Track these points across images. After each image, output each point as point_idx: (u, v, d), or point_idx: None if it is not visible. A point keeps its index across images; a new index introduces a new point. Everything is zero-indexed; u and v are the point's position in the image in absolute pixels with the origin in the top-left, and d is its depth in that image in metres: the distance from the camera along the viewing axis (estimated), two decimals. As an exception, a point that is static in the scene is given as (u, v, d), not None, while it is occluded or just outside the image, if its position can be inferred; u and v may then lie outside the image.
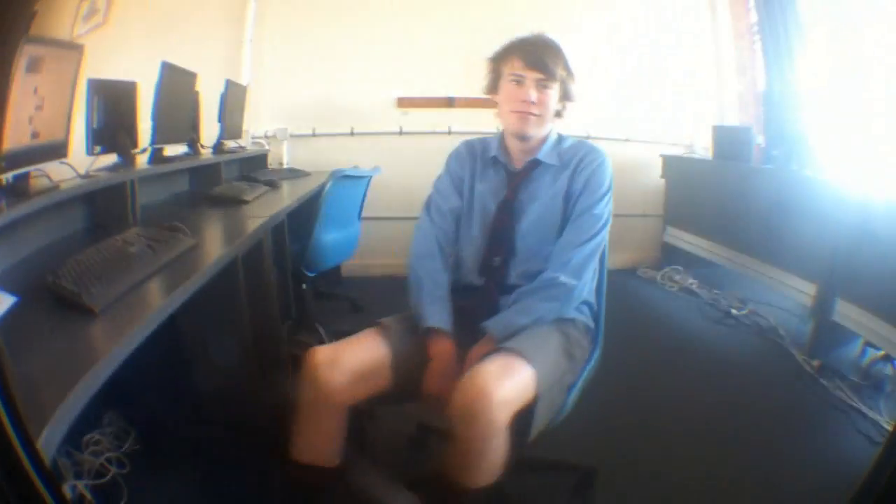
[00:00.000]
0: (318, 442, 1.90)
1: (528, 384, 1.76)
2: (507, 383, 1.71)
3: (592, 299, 2.20)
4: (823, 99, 5.24)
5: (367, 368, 1.89)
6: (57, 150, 2.39)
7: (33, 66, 2.07)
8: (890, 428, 3.01)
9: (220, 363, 2.50)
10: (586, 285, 2.08)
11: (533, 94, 2.03)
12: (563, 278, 1.99)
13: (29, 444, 1.02)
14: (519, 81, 2.05)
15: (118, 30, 4.38)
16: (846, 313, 3.66)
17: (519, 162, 2.18)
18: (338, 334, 3.06)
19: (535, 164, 2.15)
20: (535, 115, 2.05)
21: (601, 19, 5.86)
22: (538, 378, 1.78)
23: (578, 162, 2.13)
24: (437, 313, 2.03)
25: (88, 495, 2.16)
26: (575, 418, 2.48)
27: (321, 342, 2.86)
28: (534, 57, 2.06)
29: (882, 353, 3.59)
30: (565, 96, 2.14)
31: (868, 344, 3.73)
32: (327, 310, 4.42)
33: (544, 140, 2.16)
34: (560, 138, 2.21)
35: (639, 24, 5.96)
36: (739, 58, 6.20)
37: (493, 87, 2.19)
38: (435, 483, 1.85)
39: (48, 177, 2.37)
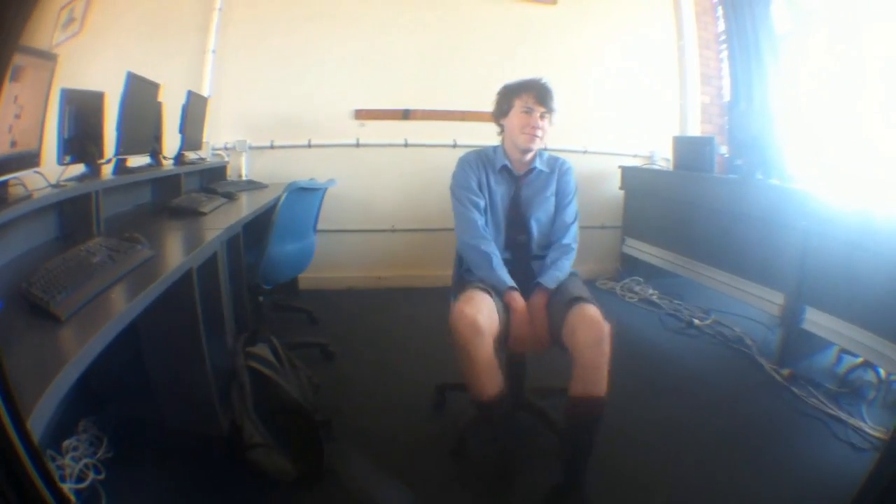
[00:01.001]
0: (494, 374, 2.54)
1: (605, 323, 2.56)
2: (597, 315, 2.58)
3: None
4: (789, 108, 5.29)
5: (493, 317, 2.60)
6: (31, 159, 2.42)
7: (16, 75, 2.12)
8: (880, 435, 3.06)
9: (178, 373, 2.56)
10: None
11: (539, 122, 2.90)
12: (572, 245, 2.98)
13: (30, 446, 1.07)
14: (529, 112, 2.89)
15: (93, 38, 4.42)
16: (817, 321, 3.67)
17: (520, 169, 3.03)
18: (293, 347, 3.17)
19: (531, 170, 3.03)
20: (538, 136, 2.92)
21: (558, 28, 5.93)
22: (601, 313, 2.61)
23: (559, 168, 3.10)
24: (508, 277, 2.81)
25: (73, 498, 2.21)
26: (539, 436, 2.84)
27: (276, 355, 2.93)
28: (542, 96, 2.92)
29: (860, 360, 3.61)
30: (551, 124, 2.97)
31: (844, 351, 3.76)
32: (284, 322, 4.46)
33: (536, 154, 3.03)
34: (541, 153, 3.09)
35: (600, 34, 6.03)
36: (705, 68, 6.26)
37: (504, 113, 2.99)
38: (568, 400, 2.52)
39: (24, 185, 2.42)
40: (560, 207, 3.05)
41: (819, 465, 2.89)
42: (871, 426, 3.15)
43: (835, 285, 3.55)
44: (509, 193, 3.02)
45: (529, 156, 3.01)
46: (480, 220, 2.92)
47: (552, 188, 3.06)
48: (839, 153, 4.51)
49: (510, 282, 2.79)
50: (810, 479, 2.76)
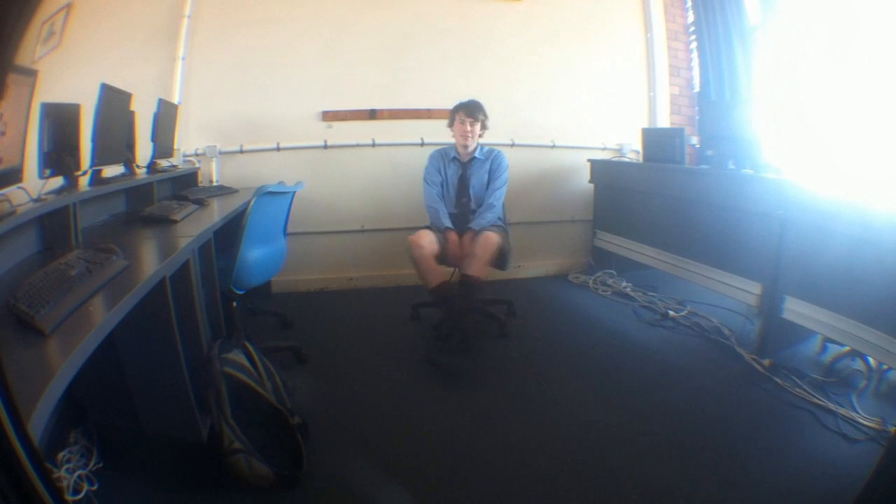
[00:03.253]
0: (437, 270, 4.42)
1: (498, 240, 4.40)
2: (494, 237, 4.38)
3: (503, 216, 4.90)
4: (760, 98, 5.46)
5: (432, 242, 4.48)
6: (15, 175, 2.46)
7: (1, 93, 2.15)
8: (875, 425, 3.07)
9: (156, 381, 2.60)
10: (500, 209, 4.81)
11: (469, 129, 4.66)
12: (494, 203, 4.70)
13: (31, 450, 1.13)
14: (463, 122, 4.67)
15: (69, 51, 4.44)
16: (798, 310, 3.67)
17: (465, 157, 4.80)
18: (267, 351, 3.22)
19: (473, 159, 4.80)
20: (470, 137, 4.69)
21: (525, 24, 6.02)
22: (501, 240, 4.46)
23: (493, 157, 4.83)
24: (448, 221, 4.66)
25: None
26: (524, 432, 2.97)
27: (251, 360, 3.00)
28: (471, 111, 4.67)
29: (847, 348, 3.62)
30: (483, 127, 4.75)
31: (828, 340, 3.78)
32: (258, 326, 4.52)
33: (475, 147, 4.78)
34: (481, 146, 4.83)
35: (566, 28, 6.12)
36: (674, 59, 6.37)
37: (451, 124, 4.76)
38: (462, 279, 4.35)
39: (9, 201, 2.46)
40: (491, 180, 4.78)
41: (808, 455, 2.89)
42: (864, 416, 3.17)
43: (814, 274, 3.57)
44: (458, 173, 4.81)
45: (469, 149, 4.75)
46: (436, 191, 4.79)
47: (486, 169, 4.78)
48: (812, 140, 4.55)
49: (448, 224, 4.64)
50: (800, 470, 2.76)
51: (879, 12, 4.48)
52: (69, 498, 2.33)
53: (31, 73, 2.53)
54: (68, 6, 4.72)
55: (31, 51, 3.99)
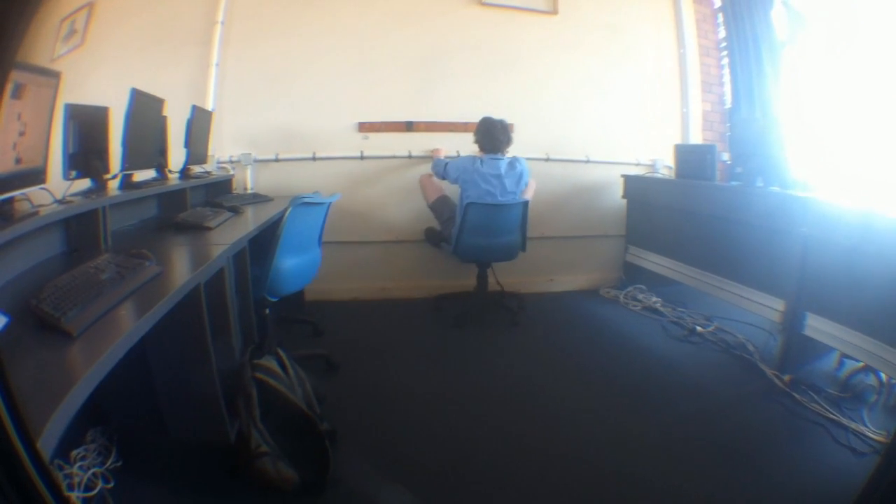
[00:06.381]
0: (437, 191, 5.46)
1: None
2: None
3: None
4: (790, 114, 5.36)
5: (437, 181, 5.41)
6: (37, 176, 2.44)
7: (17, 93, 2.13)
8: (881, 439, 3.09)
9: (185, 386, 2.58)
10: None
11: None
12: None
13: (35, 455, 1.09)
14: None
15: (94, 51, 4.44)
16: (818, 327, 3.71)
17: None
18: (298, 358, 3.19)
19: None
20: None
21: (560, 37, 5.97)
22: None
23: (518, 162, 5.02)
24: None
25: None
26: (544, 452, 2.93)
27: (282, 366, 2.97)
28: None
29: (861, 364, 3.62)
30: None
31: (845, 356, 3.77)
32: (290, 334, 4.50)
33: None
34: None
35: (600, 42, 6.05)
36: (706, 75, 6.27)
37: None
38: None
39: (30, 201, 2.44)
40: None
41: (818, 469, 2.92)
42: (872, 430, 3.19)
43: (835, 291, 3.58)
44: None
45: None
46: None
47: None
48: (839, 158, 4.52)
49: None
50: (809, 482, 2.80)
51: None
52: (75, 495, 2.32)
53: (54, 75, 2.50)
54: (90, 5, 4.72)
55: (49, 48, 3.98)
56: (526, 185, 5.07)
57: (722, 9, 6.22)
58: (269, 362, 2.92)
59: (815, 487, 2.76)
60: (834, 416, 3.34)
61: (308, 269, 3.94)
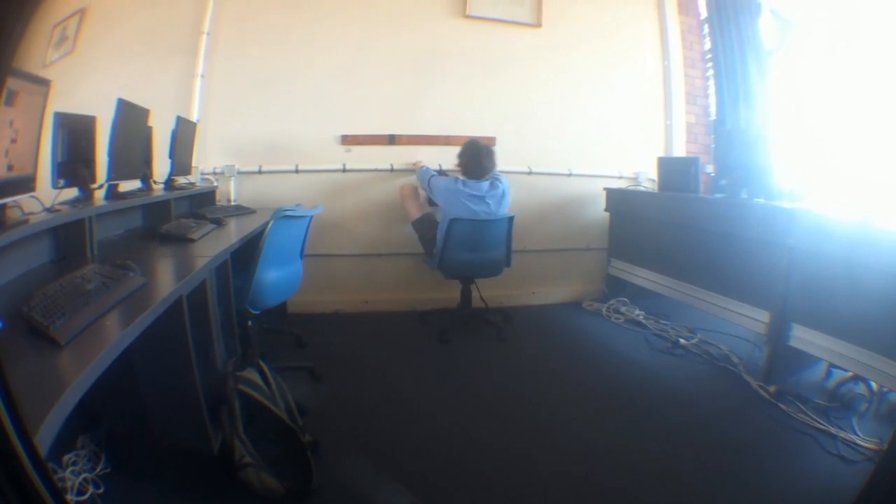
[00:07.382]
0: (417, 208, 5.48)
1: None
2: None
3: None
4: (775, 126, 5.43)
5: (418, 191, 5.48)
6: (27, 184, 2.43)
7: (10, 100, 2.14)
8: (873, 446, 3.11)
9: (169, 397, 2.59)
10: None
11: None
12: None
13: (35, 457, 1.10)
14: None
15: (84, 58, 4.44)
16: (805, 338, 3.72)
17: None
18: (281, 369, 3.20)
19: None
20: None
21: (543, 50, 6.01)
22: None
23: (499, 180, 5.03)
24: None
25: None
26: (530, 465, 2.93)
27: (265, 378, 2.98)
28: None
29: (850, 374, 3.65)
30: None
31: (833, 366, 3.79)
32: (273, 345, 4.49)
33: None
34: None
35: (584, 55, 6.09)
36: (690, 87, 6.30)
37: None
38: None
39: (21, 208, 2.45)
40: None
41: (807, 478, 2.93)
42: (862, 438, 3.22)
43: (822, 302, 3.60)
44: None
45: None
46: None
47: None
48: (824, 169, 4.56)
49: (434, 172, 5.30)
50: (799, 493, 2.80)
51: (889, 35, 4.51)
52: (70, 498, 2.34)
53: (45, 83, 2.50)
54: (82, 11, 4.72)
55: (41, 54, 3.97)
56: (507, 205, 5.07)
57: (708, 19, 6.28)
58: (252, 374, 2.93)
59: (805, 497, 2.78)
60: (822, 426, 3.37)
61: (290, 282, 3.95)
